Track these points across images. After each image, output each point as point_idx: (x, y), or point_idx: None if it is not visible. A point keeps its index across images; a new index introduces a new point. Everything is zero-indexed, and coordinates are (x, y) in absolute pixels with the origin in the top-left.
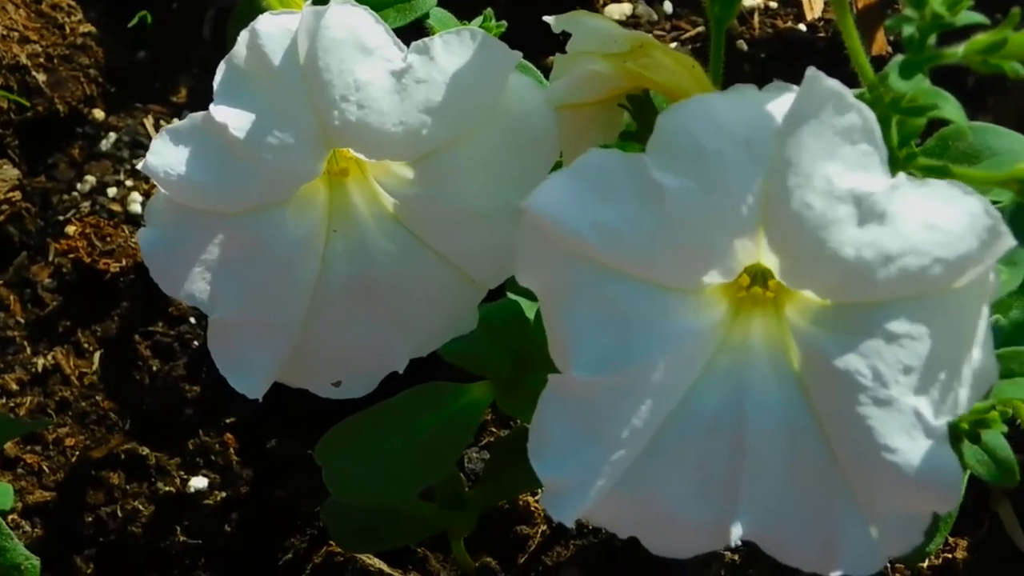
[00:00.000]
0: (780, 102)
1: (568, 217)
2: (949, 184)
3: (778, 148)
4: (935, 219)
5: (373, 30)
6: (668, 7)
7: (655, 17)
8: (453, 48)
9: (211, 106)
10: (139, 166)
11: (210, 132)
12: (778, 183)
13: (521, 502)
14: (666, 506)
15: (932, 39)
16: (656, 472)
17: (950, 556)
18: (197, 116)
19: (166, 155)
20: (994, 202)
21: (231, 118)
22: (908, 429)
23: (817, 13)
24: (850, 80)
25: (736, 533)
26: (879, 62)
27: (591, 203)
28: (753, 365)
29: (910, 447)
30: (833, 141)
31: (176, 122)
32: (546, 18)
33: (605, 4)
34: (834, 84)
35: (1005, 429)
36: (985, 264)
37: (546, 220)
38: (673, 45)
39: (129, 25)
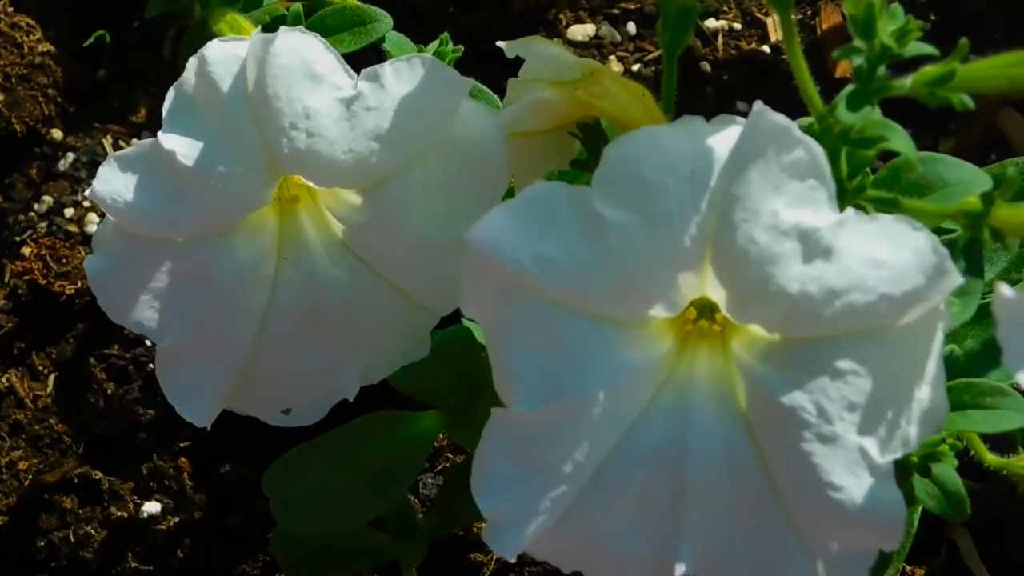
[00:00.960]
0: (726, 135)
1: (510, 250)
2: (897, 219)
3: (724, 183)
4: (882, 255)
5: (323, 57)
6: (632, 28)
7: (618, 38)
8: (403, 75)
9: (159, 133)
10: (86, 193)
11: (158, 159)
12: (724, 218)
13: (475, 529)
14: (608, 541)
15: (882, 70)
16: (598, 507)
17: None
18: (145, 143)
19: (113, 182)
20: (950, 230)
21: (179, 145)
22: (852, 467)
23: (781, 35)
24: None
25: (679, 570)
26: (844, 84)
27: (534, 236)
28: (698, 400)
29: (854, 485)
30: (779, 176)
31: (134, 142)
32: (499, 43)
33: (568, 25)
34: (780, 119)
35: (955, 463)
36: (933, 300)
37: (488, 253)
38: (636, 67)
39: (86, 44)
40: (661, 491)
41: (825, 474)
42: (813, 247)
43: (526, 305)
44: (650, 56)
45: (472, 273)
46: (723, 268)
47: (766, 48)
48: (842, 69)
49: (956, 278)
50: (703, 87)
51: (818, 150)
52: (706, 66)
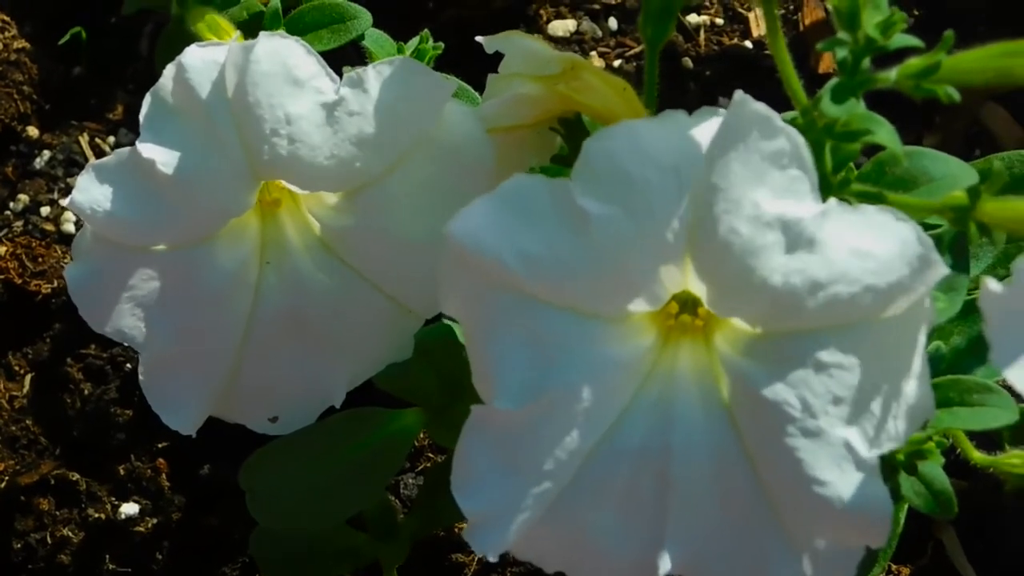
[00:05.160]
0: (707, 127)
1: (489, 244)
2: (880, 210)
3: (705, 174)
4: (865, 246)
5: (304, 62)
6: (613, 23)
7: (600, 34)
8: (386, 79)
9: (138, 142)
10: (64, 203)
11: (137, 168)
12: (705, 209)
13: (457, 530)
14: (591, 540)
15: (867, 62)
16: (580, 506)
17: None
18: (123, 152)
19: (92, 191)
20: (935, 226)
21: (158, 154)
22: (838, 461)
23: (764, 30)
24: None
25: (664, 568)
26: (827, 81)
27: (513, 229)
28: (681, 395)
29: (840, 480)
30: (761, 166)
31: (111, 140)
32: (479, 39)
33: (549, 21)
34: (761, 108)
35: (942, 460)
36: (918, 292)
37: (467, 247)
38: (618, 63)
39: (62, 41)
40: (645, 489)
41: (810, 469)
42: (796, 238)
43: (505, 299)
44: (631, 52)
45: (450, 267)
46: (705, 260)
47: (748, 44)
48: (825, 65)
49: (941, 269)
50: (685, 83)
51: (799, 139)
52: (688, 62)
